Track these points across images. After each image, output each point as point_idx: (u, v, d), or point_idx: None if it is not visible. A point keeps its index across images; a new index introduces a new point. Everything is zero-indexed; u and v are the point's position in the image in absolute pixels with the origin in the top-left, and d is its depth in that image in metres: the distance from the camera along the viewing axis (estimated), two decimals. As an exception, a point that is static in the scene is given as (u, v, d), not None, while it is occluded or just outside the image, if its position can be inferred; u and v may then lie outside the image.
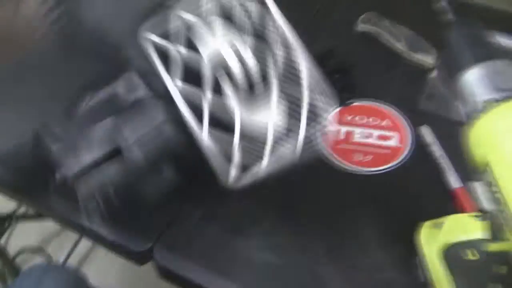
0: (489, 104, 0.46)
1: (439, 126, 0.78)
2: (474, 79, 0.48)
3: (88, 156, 0.61)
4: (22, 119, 0.73)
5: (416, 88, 0.83)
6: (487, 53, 0.49)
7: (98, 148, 0.62)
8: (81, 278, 0.94)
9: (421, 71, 0.86)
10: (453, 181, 0.72)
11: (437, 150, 0.75)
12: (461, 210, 0.69)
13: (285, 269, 0.66)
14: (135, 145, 0.62)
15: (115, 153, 0.62)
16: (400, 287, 0.65)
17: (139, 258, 0.69)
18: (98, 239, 0.71)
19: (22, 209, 1.79)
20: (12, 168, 0.77)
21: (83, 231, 0.73)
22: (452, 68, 0.51)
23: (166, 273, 0.68)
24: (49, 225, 1.79)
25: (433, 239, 0.64)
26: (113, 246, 0.70)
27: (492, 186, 0.45)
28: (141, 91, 0.65)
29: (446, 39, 0.53)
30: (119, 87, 0.66)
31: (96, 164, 0.61)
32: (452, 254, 0.62)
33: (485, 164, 0.45)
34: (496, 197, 0.44)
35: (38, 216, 1.72)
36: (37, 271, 0.96)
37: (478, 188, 0.68)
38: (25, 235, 1.78)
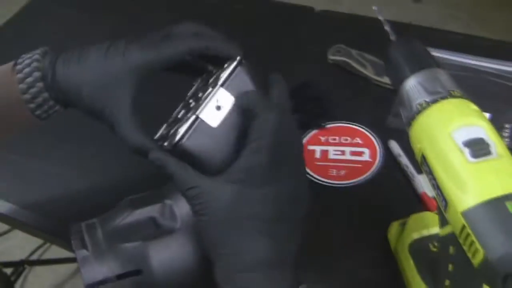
0: (422, 106, 0.53)
1: (405, 139, 0.85)
2: (410, 87, 0.55)
3: (109, 270, 0.61)
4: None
5: (384, 108, 0.92)
6: (420, 64, 0.56)
7: (121, 265, 0.62)
8: None
9: (388, 93, 0.94)
10: (419, 186, 0.79)
11: (404, 161, 0.83)
12: (427, 211, 0.76)
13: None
14: (158, 274, 0.62)
15: (135, 273, 0.62)
16: (375, 285, 0.72)
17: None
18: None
19: (37, 255, 1.85)
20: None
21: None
22: (393, 80, 0.60)
23: None
24: (62, 271, 1.86)
25: (400, 237, 0.72)
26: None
27: (429, 174, 0.52)
28: (176, 223, 0.64)
29: (388, 56, 0.61)
30: (155, 211, 0.65)
31: (115, 279, 0.62)
32: (417, 249, 0.69)
33: (423, 157, 0.53)
34: (433, 184, 0.52)
35: (53, 261, 1.79)
36: None
37: (422, 179, 0.76)
38: (39, 280, 1.85)
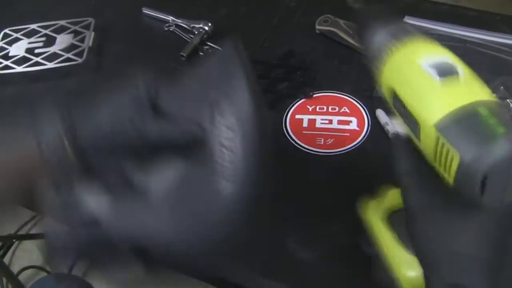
0: (391, 50, 0.54)
1: (392, 108, 0.86)
2: (379, 38, 0.56)
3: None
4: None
5: (371, 78, 0.92)
6: (387, 20, 0.58)
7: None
8: (90, 286, 0.99)
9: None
10: (406, 154, 0.80)
11: (391, 129, 0.83)
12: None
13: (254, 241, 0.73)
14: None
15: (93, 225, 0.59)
16: (356, 249, 0.72)
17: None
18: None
19: (25, 229, 1.85)
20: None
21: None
22: (364, 39, 0.61)
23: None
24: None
25: (377, 210, 0.71)
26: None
27: (400, 109, 0.53)
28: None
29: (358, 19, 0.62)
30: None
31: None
32: (396, 219, 0.69)
33: (394, 95, 0.54)
34: (404, 115, 0.52)
35: (41, 236, 1.79)
36: (49, 281, 1.01)
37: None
38: (27, 254, 1.85)
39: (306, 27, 1.02)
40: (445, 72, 0.49)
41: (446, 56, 0.51)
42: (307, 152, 0.83)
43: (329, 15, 1.01)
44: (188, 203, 0.51)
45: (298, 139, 0.84)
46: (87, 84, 0.60)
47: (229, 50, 0.57)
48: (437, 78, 0.48)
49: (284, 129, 0.86)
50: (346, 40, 0.98)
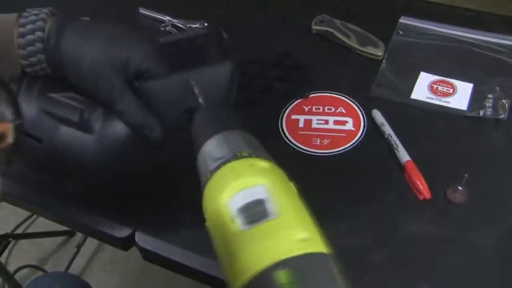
0: (207, 177, 0.48)
1: (388, 109, 0.86)
2: (202, 156, 0.51)
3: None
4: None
5: (367, 78, 0.92)
6: (215, 129, 0.52)
7: (31, 125, 0.66)
8: (87, 284, 0.99)
9: (371, 63, 0.94)
10: (402, 155, 0.80)
11: (387, 130, 0.83)
12: (411, 180, 0.77)
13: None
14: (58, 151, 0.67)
15: (38, 140, 0.66)
16: (356, 252, 0.72)
17: (123, 244, 0.76)
18: (81, 227, 0.78)
19: (21, 229, 1.84)
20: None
21: (70, 221, 0.81)
22: (194, 151, 0.54)
23: (148, 255, 0.75)
24: (47, 245, 1.86)
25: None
26: (97, 234, 0.78)
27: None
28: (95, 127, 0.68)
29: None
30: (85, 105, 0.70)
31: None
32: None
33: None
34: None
35: (37, 235, 1.79)
36: (46, 279, 1.00)
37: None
38: (23, 253, 1.84)
39: (302, 27, 1.02)
40: (253, 218, 0.42)
41: (261, 185, 0.44)
42: (303, 153, 0.83)
43: (325, 15, 1.01)
44: None
45: (294, 140, 0.84)
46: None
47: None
48: (242, 227, 0.42)
49: (280, 129, 0.86)
50: (342, 40, 0.97)
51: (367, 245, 0.72)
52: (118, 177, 0.68)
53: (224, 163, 0.47)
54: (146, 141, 0.64)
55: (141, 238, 0.75)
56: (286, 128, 0.86)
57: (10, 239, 1.67)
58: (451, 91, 0.88)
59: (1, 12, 1.18)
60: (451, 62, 0.93)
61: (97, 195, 0.74)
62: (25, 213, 1.87)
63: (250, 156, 0.48)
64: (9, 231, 1.83)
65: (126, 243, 0.76)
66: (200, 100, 0.61)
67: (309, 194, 0.78)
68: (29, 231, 1.89)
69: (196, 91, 0.62)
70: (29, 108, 0.64)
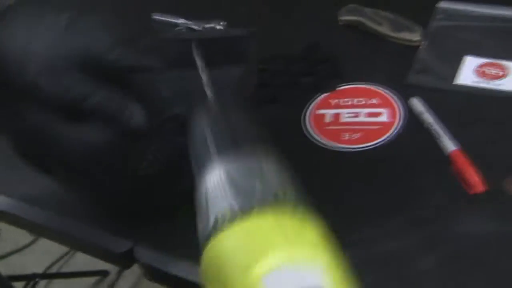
0: (222, 220, 0.31)
1: (428, 97, 0.75)
2: (212, 181, 0.34)
3: None
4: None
5: (402, 66, 0.81)
6: (236, 142, 0.36)
7: None
8: None
9: (407, 50, 0.83)
10: (448, 144, 0.68)
11: (428, 118, 0.71)
12: (460, 172, 0.65)
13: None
14: None
15: None
16: (398, 257, 0.60)
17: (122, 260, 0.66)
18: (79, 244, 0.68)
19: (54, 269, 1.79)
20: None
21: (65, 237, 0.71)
22: (194, 170, 0.38)
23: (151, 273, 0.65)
24: (78, 285, 1.78)
25: None
26: (94, 250, 0.67)
27: None
28: None
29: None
30: None
31: None
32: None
33: None
34: None
35: (66, 275, 1.72)
36: None
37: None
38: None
39: (328, 19, 0.92)
40: None
41: (315, 266, 0.29)
42: (330, 150, 0.72)
43: (353, 4, 0.91)
44: None
45: (320, 136, 0.73)
46: None
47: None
48: None
49: (303, 126, 0.75)
50: (373, 29, 0.87)
51: (411, 251, 0.60)
52: (102, 171, 0.57)
53: (259, 207, 0.31)
54: (128, 132, 0.52)
55: (141, 253, 0.64)
56: (310, 124, 0.75)
57: (37, 279, 1.58)
58: (501, 73, 0.76)
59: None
60: (499, 43, 0.81)
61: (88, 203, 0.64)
62: (58, 252, 1.81)
63: (295, 202, 0.32)
64: (40, 271, 1.75)
65: (126, 259, 0.65)
66: (209, 96, 0.48)
67: (339, 194, 0.67)
68: (62, 271, 1.83)
69: (204, 80, 0.50)
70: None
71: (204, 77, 0.50)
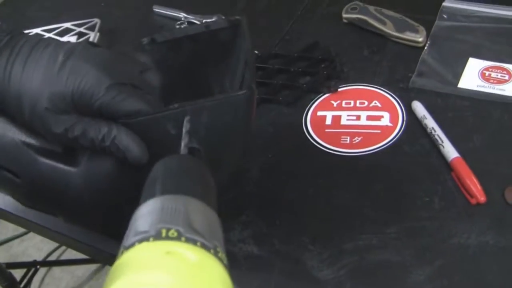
0: (120, 253, 0.35)
1: (431, 100, 0.74)
2: (134, 219, 0.37)
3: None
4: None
5: (406, 68, 0.79)
6: (165, 187, 0.39)
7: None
8: None
9: (411, 51, 0.82)
10: (449, 152, 0.66)
11: (429, 123, 0.70)
12: (460, 180, 0.63)
13: (268, 260, 0.61)
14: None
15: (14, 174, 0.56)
16: (391, 268, 0.59)
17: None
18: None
19: (54, 256, 1.78)
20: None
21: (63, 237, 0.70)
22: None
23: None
24: (79, 273, 1.78)
25: None
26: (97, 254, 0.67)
27: None
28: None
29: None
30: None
31: None
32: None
33: None
34: None
35: (67, 262, 1.72)
36: None
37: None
38: (56, 281, 1.78)
39: (332, 16, 0.90)
40: None
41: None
42: (330, 153, 0.70)
43: (357, 2, 0.89)
44: None
45: (320, 139, 0.72)
46: None
47: None
48: None
49: (304, 128, 0.74)
50: (377, 28, 0.85)
51: (408, 261, 0.59)
52: (109, 212, 0.56)
53: (141, 241, 0.34)
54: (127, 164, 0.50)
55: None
56: (311, 126, 0.74)
57: (38, 266, 1.58)
58: (506, 77, 0.75)
59: (6, 13, 1.12)
60: (504, 45, 0.80)
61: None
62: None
63: (178, 238, 0.34)
64: (41, 258, 1.75)
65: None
66: (183, 145, 0.45)
67: (337, 200, 0.66)
68: (62, 258, 1.83)
69: (184, 130, 0.47)
70: (4, 138, 0.54)
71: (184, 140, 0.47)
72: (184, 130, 0.47)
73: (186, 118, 0.48)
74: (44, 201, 0.58)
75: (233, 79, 0.60)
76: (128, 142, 0.48)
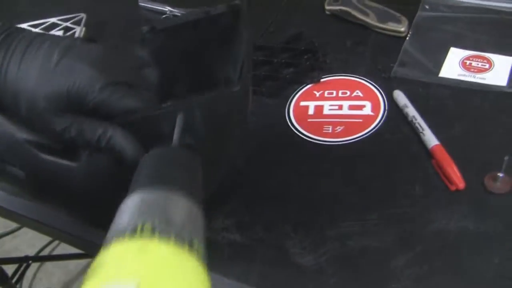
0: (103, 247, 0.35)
1: (412, 89, 0.75)
2: (119, 211, 0.38)
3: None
4: None
5: (388, 58, 0.80)
6: (152, 180, 0.39)
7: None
8: None
9: (393, 41, 0.83)
10: (429, 139, 0.67)
11: (410, 112, 0.71)
12: (441, 167, 0.64)
13: (251, 247, 0.62)
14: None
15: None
16: (372, 253, 0.60)
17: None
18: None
19: (46, 252, 1.78)
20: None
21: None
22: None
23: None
24: (71, 267, 1.79)
25: None
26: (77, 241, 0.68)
27: None
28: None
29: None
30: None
31: None
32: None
33: None
34: None
35: (59, 257, 1.72)
36: None
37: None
38: (48, 276, 1.78)
39: (315, 8, 0.91)
40: None
41: None
42: (313, 142, 0.71)
43: (340, -6, 0.90)
44: None
45: (303, 128, 0.73)
46: None
47: None
48: None
49: (287, 118, 0.75)
50: (360, 19, 0.86)
51: (389, 247, 0.60)
52: (111, 206, 0.56)
53: (117, 237, 0.34)
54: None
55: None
56: (294, 116, 0.75)
57: (30, 262, 1.59)
58: (487, 66, 0.75)
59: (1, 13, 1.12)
60: (485, 35, 0.81)
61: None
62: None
63: (152, 233, 0.34)
64: (33, 253, 1.76)
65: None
66: (175, 139, 0.46)
67: (319, 188, 0.67)
68: (55, 253, 1.83)
69: (176, 126, 0.47)
70: (5, 135, 0.53)
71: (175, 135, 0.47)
72: (176, 127, 0.47)
73: (179, 116, 0.48)
74: (48, 196, 0.58)
75: (236, 66, 0.59)
76: (123, 143, 0.49)
